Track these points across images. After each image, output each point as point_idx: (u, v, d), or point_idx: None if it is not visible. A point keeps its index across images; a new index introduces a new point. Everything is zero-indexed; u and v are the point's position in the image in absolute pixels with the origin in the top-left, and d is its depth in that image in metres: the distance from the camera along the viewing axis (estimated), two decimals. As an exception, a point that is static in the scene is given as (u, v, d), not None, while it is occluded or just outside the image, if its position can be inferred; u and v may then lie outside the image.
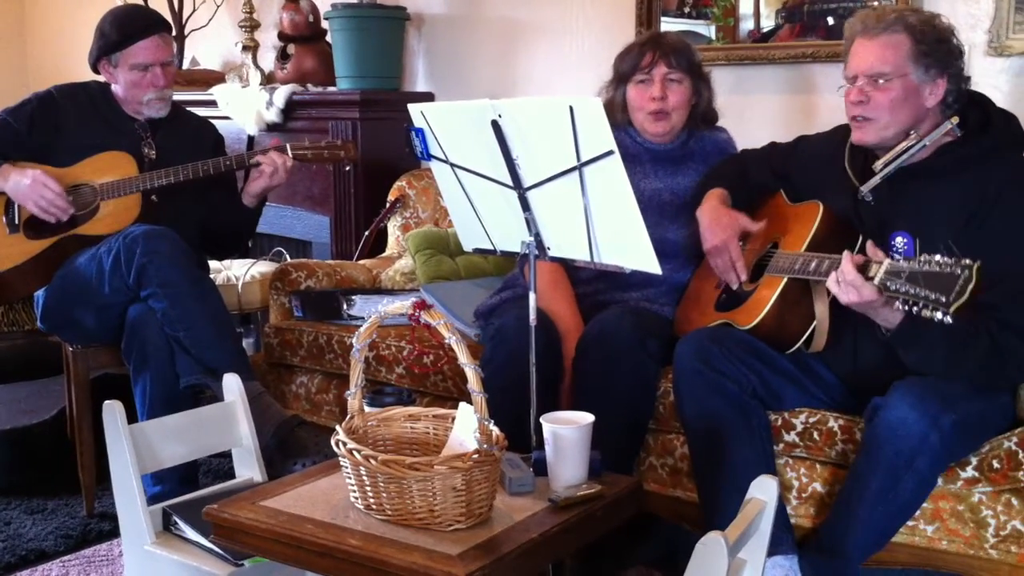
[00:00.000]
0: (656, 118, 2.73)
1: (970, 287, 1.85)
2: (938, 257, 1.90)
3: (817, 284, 2.29)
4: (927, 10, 2.46)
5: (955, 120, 2.25)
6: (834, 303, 2.27)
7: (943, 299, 1.86)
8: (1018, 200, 2.19)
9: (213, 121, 3.42)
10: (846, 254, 2.09)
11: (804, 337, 2.32)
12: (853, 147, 2.40)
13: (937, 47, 2.24)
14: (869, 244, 2.09)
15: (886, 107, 2.25)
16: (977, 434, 2.18)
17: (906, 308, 1.94)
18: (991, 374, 2.17)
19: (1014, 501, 2.18)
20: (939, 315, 1.88)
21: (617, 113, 2.77)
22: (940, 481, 2.20)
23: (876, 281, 1.99)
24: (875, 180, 2.30)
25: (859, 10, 2.63)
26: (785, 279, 2.31)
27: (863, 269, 2.05)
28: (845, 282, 2.06)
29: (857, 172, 2.38)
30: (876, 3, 3.01)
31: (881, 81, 2.25)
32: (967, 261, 1.87)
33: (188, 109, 3.36)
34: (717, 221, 2.54)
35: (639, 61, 2.73)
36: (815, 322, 2.31)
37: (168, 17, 3.85)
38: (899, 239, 1.98)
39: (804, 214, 2.42)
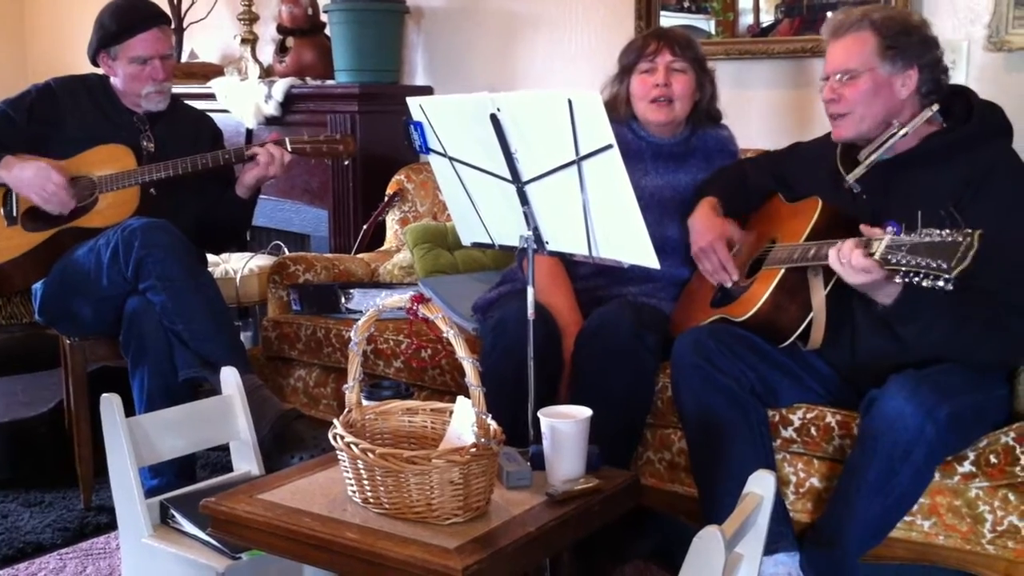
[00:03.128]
0: (658, 105, 2.72)
1: (971, 253, 1.85)
2: (938, 230, 1.91)
3: (814, 276, 2.29)
4: (901, 6, 2.54)
5: (936, 107, 2.31)
6: (831, 295, 2.28)
7: (944, 265, 1.86)
8: (1003, 182, 2.22)
9: (211, 114, 3.41)
10: (849, 240, 2.10)
11: (800, 330, 2.32)
12: (844, 147, 2.44)
13: (904, 39, 2.30)
14: (863, 226, 2.10)
15: (858, 101, 2.32)
16: (973, 427, 2.18)
17: (906, 280, 1.94)
18: (990, 351, 2.17)
19: (1011, 496, 2.18)
20: (940, 283, 1.87)
21: (621, 107, 2.77)
22: (937, 476, 2.20)
23: (877, 255, 1.99)
24: (860, 169, 2.34)
25: (847, 8, 2.65)
26: (783, 270, 2.32)
27: (864, 247, 2.05)
28: (846, 255, 2.06)
29: (848, 169, 2.40)
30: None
31: (849, 77, 2.32)
32: (967, 230, 1.88)
33: (186, 102, 3.35)
34: (705, 226, 2.58)
35: (643, 50, 2.74)
36: (811, 314, 2.31)
37: (167, 10, 3.84)
38: (889, 228, 2.00)
39: (802, 210, 2.43)
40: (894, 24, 2.31)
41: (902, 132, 2.29)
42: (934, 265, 1.88)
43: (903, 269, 1.93)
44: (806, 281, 2.31)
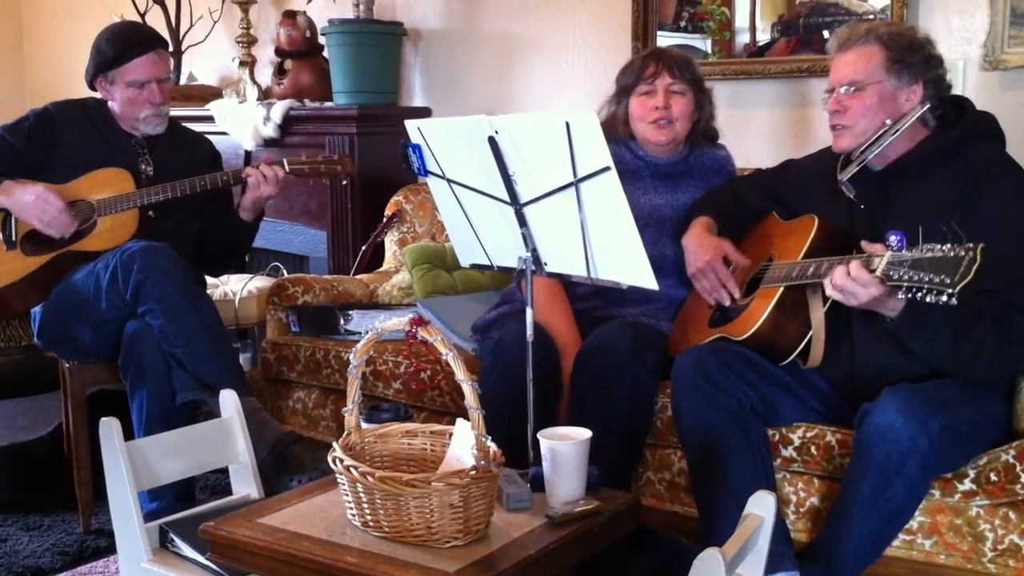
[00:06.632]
0: (659, 127, 2.72)
1: (975, 267, 1.86)
2: (939, 244, 1.91)
3: (813, 294, 2.30)
4: (905, 23, 2.58)
5: (927, 105, 2.31)
6: (830, 311, 2.28)
7: (947, 280, 1.87)
8: (998, 184, 2.23)
9: (210, 137, 3.41)
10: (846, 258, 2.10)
11: (800, 347, 2.32)
12: (844, 161, 2.44)
13: (910, 54, 2.31)
14: (864, 243, 2.10)
15: (861, 114, 2.32)
16: (968, 443, 2.17)
17: (909, 296, 1.94)
18: (999, 355, 2.16)
19: (1011, 515, 2.18)
20: (943, 298, 1.87)
21: (619, 127, 2.78)
22: (937, 494, 2.20)
23: (879, 272, 1.99)
24: (852, 168, 2.35)
25: (853, 23, 2.66)
26: (781, 288, 2.32)
27: (865, 264, 2.05)
28: (848, 279, 2.05)
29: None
30: (872, 16, 3.02)
31: (855, 89, 2.32)
32: (969, 244, 1.88)
33: (185, 125, 3.36)
34: (700, 245, 2.59)
35: (642, 72, 2.74)
36: (811, 332, 2.31)
37: (165, 33, 3.87)
38: (892, 238, 2.00)
39: (799, 228, 2.44)
40: (901, 39, 2.32)
41: (892, 130, 2.30)
42: (937, 280, 1.88)
43: (905, 284, 1.93)
44: (805, 299, 2.32)
